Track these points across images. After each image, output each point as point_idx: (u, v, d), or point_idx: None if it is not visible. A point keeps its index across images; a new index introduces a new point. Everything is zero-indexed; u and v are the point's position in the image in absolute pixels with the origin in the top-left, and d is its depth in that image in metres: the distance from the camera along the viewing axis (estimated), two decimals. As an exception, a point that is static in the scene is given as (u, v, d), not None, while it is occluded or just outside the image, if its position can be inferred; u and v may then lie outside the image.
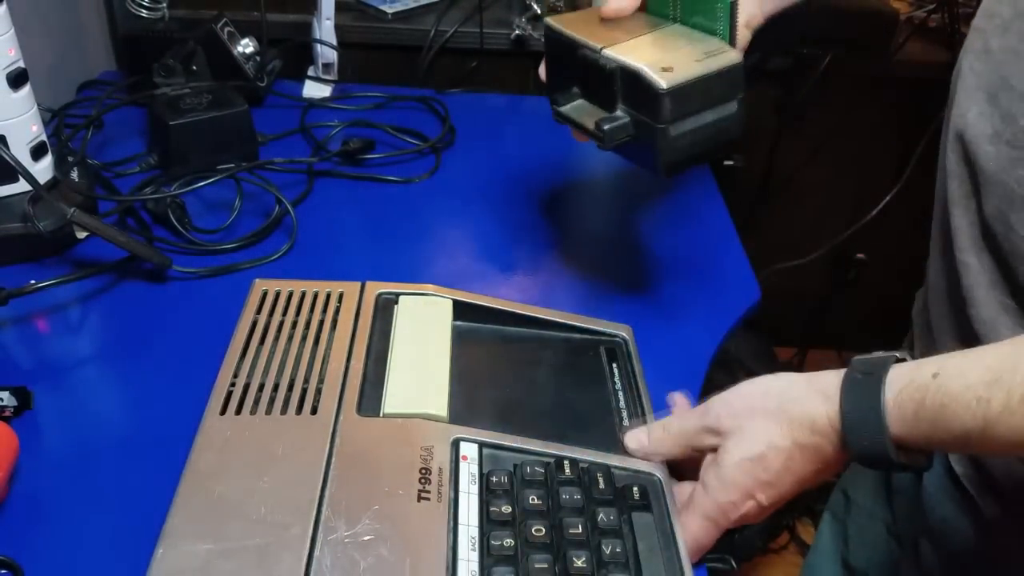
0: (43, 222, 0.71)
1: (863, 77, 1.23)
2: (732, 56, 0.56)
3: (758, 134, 1.30)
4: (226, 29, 0.98)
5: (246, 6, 1.10)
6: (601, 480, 0.51)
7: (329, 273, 0.75)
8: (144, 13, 1.06)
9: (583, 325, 0.65)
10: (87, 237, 0.76)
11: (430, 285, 0.64)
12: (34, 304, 0.70)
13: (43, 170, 0.74)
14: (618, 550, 0.47)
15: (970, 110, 0.54)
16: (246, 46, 1.00)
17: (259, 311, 0.62)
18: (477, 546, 0.46)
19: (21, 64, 0.70)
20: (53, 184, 0.75)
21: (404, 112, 1.05)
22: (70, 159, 0.80)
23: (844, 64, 1.21)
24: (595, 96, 0.57)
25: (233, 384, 0.55)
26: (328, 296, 0.63)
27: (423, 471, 0.49)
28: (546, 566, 0.46)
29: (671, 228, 0.87)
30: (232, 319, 0.70)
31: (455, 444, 0.51)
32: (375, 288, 0.64)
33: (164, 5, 1.06)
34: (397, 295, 0.64)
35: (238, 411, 0.53)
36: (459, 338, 0.61)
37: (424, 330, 0.60)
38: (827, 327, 1.56)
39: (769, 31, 0.85)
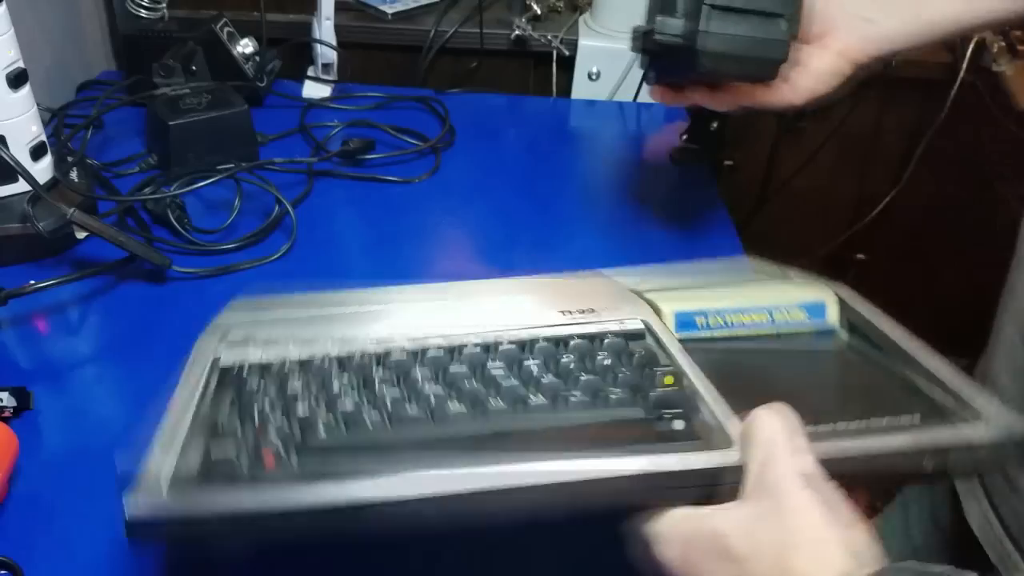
0: (43, 222, 0.71)
1: (863, 78, 1.23)
2: None
3: (758, 135, 1.30)
4: (225, 29, 0.98)
5: (245, 6, 1.10)
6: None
7: (328, 273, 0.76)
8: (144, 13, 1.05)
9: None
10: (86, 237, 0.76)
11: None
12: (34, 304, 0.70)
13: (43, 170, 0.74)
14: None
15: None
16: (245, 46, 0.99)
17: None
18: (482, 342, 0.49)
19: (20, 64, 0.70)
20: (53, 184, 0.75)
21: (404, 112, 1.05)
22: (70, 159, 0.80)
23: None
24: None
25: None
26: None
27: None
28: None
29: (671, 228, 0.87)
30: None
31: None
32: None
33: (164, 5, 1.06)
34: None
35: None
36: None
37: None
38: (827, 327, 1.56)
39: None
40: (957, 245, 1.36)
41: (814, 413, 0.43)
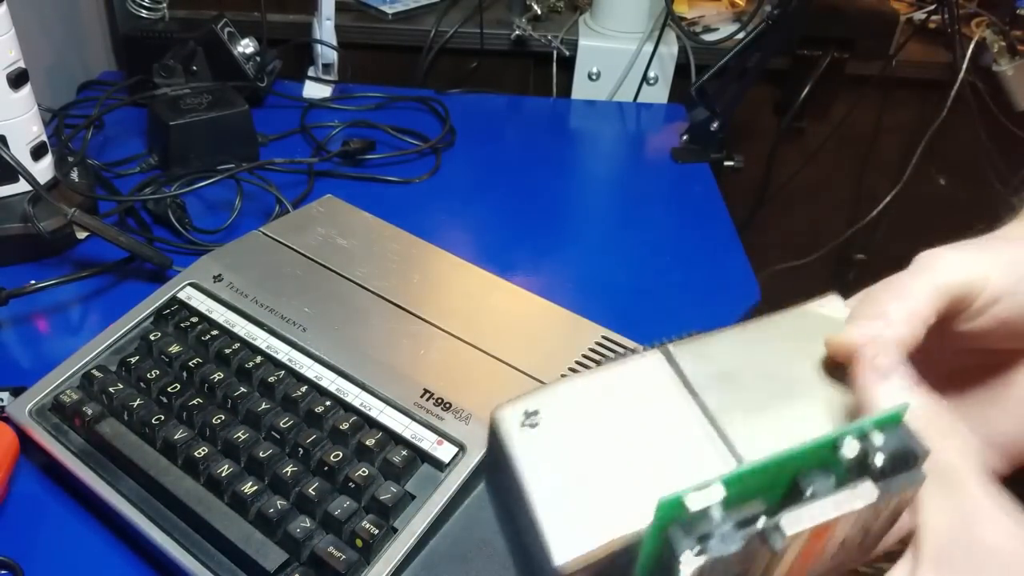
0: (43, 222, 0.71)
1: (863, 77, 1.23)
2: None
3: (758, 135, 1.30)
4: (226, 29, 0.98)
5: (246, 6, 1.10)
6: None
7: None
8: (144, 13, 1.06)
9: None
10: (87, 237, 0.76)
11: None
12: (34, 304, 0.70)
13: (43, 170, 0.74)
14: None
15: None
16: (246, 46, 0.99)
17: None
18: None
19: (21, 64, 0.70)
20: (53, 184, 0.75)
21: (404, 112, 1.05)
22: (70, 159, 0.80)
23: (844, 64, 1.21)
24: None
25: None
26: None
27: None
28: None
29: (671, 228, 0.87)
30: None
31: None
32: None
33: (164, 5, 1.06)
34: None
35: None
36: None
37: None
38: (827, 327, 1.56)
39: (771, 33, 0.84)
40: (957, 245, 1.36)
41: None
